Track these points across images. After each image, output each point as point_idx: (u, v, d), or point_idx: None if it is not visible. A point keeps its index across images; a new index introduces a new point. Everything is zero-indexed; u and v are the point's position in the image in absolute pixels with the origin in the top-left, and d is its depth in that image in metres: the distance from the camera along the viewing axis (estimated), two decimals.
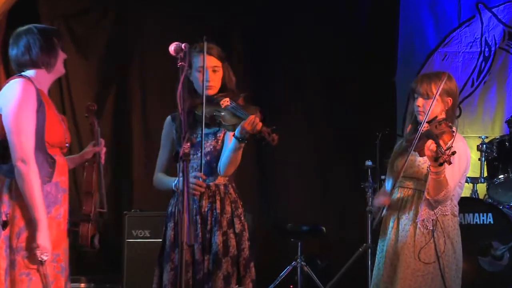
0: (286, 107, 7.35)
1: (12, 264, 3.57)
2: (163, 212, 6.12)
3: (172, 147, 4.25)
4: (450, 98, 4.20)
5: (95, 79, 7.32)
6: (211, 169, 4.14)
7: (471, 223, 5.82)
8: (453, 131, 4.01)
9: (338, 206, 7.21)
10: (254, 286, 4.14)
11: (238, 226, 4.13)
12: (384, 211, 4.23)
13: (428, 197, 4.07)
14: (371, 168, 6.52)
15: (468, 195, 6.23)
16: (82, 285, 6.55)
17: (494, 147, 6.12)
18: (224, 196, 4.14)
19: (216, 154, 4.15)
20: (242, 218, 4.17)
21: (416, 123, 4.22)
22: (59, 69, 3.81)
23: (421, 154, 4.03)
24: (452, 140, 3.97)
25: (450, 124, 4.06)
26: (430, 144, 3.90)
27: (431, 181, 4.03)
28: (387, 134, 6.41)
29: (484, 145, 6.16)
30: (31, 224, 3.57)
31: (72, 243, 3.85)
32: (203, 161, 4.10)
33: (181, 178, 3.52)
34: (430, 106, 4.11)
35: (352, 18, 7.46)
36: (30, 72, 3.72)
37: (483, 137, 6.29)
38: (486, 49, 7.17)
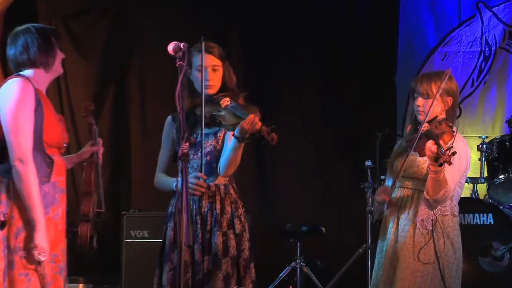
0: (286, 107, 7.35)
1: (10, 265, 3.56)
2: (161, 212, 6.13)
3: (172, 147, 4.24)
4: (450, 98, 4.19)
5: (93, 79, 7.32)
6: (211, 169, 4.13)
7: (471, 223, 5.80)
8: (453, 131, 4.01)
9: (338, 206, 7.20)
10: (254, 286, 4.13)
11: (238, 227, 4.12)
12: (386, 207, 4.21)
13: (427, 197, 4.07)
14: (370, 168, 6.51)
15: (468, 195, 6.22)
16: (80, 285, 6.53)
17: (495, 147, 6.11)
18: (224, 197, 4.13)
19: (216, 154, 4.14)
20: (243, 219, 4.16)
21: (416, 123, 4.22)
22: (57, 68, 3.80)
23: (421, 154, 4.03)
24: (453, 140, 3.96)
25: (450, 124, 4.06)
26: (431, 145, 3.89)
27: (430, 181, 4.03)
28: (387, 134, 6.40)
29: (484, 145, 6.15)
30: (29, 225, 3.56)
31: (70, 243, 3.84)
32: (203, 161, 4.08)
33: (180, 178, 3.50)
34: (431, 106, 4.10)
35: (352, 18, 7.46)
36: (28, 72, 3.71)
37: (483, 137, 6.28)
38: (487, 49, 7.17)
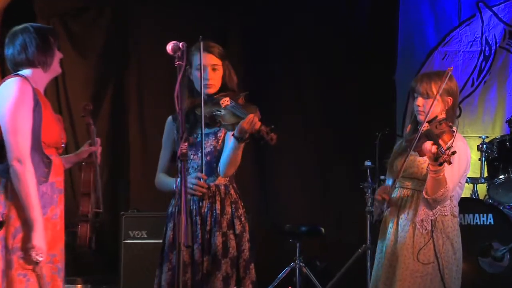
0: (286, 107, 7.35)
1: (8, 265, 3.55)
2: (160, 212, 6.14)
3: (173, 147, 4.23)
4: (450, 98, 4.19)
5: (92, 78, 7.32)
6: (211, 170, 4.11)
7: (471, 223, 5.79)
8: (453, 131, 4.00)
9: (338, 207, 7.20)
10: (254, 287, 4.11)
11: (238, 227, 4.10)
12: (385, 207, 4.20)
13: (426, 197, 4.07)
14: (370, 168, 6.50)
15: (468, 195, 6.21)
16: (79, 286, 6.52)
17: (495, 147, 6.11)
18: (225, 197, 4.12)
19: (216, 154, 4.13)
20: (243, 219, 4.15)
21: (416, 123, 4.22)
22: (55, 68, 3.80)
23: (421, 154, 4.03)
24: (452, 140, 3.95)
25: (450, 124, 4.06)
26: (430, 145, 3.89)
27: (429, 180, 4.02)
28: (386, 134, 6.39)
29: (485, 145, 6.14)
30: (27, 225, 3.56)
31: (69, 243, 3.83)
32: (203, 161, 4.07)
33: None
34: (431, 105, 4.09)
35: (352, 18, 7.45)
36: (26, 72, 3.71)
37: (483, 137, 6.28)
38: (487, 48, 7.16)
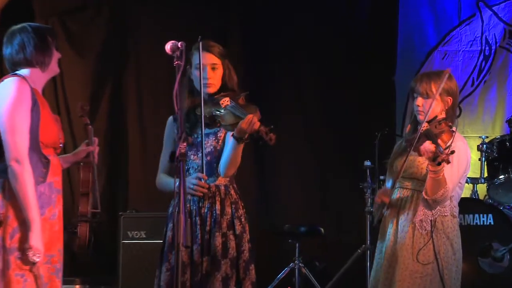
0: (286, 107, 7.35)
1: (6, 265, 3.54)
2: (159, 213, 6.15)
3: (173, 148, 4.20)
4: (450, 98, 4.18)
5: (90, 78, 7.31)
6: (211, 170, 4.10)
7: (471, 224, 5.79)
8: (453, 131, 4.00)
9: (337, 207, 7.19)
10: None
11: (238, 228, 4.09)
12: (385, 209, 4.19)
13: (425, 197, 4.06)
14: (369, 168, 6.49)
15: (468, 195, 6.21)
16: (77, 286, 6.51)
17: (495, 147, 6.11)
18: (225, 197, 4.11)
19: (216, 155, 4.11)
20: (243, 220, 4.14)
21: (416, 123, 4.20)
22: (53, 68, 3.79)
23: (420, 154, 4.00)
24: (451, 139, 3.94)
25: (450, 123, 4.05)
26: (428, 145, 3.88)
27: (429, 180, 4.01)
28: (386, 134, 6.38)
29: (484, 145, 6.14)
30: (25, 225, 3.55)
31: (67, 243, 3.82)
32: (204, 162, 4.06)
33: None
34: (430, 105, 4.08)
35: (352, 18, 7.45)
36: (24, 71, 3.70)
37: (483, 137, 6.28)
38: (487, 48, 7.16)
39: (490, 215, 5.76)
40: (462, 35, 7.22)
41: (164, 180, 4.20)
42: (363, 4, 7.43)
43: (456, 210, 4.22)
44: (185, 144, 3.49)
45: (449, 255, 4.13)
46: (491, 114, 7.09)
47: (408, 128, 4.30)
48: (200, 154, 4.07)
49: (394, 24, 7.28)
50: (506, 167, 6.01)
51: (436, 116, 4.15)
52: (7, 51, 3.73)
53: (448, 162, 3.84)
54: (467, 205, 5.73)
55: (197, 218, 4.06)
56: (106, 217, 6.27)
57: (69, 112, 7.15)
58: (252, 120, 3.89)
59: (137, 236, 6.31)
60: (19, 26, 3.75)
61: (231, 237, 4.06)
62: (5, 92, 3.59)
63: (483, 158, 6.17)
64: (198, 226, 4.05)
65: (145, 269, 6.07)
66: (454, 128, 4.03)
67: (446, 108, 4.18)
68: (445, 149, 3.85)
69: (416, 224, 4.12)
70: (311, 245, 6.78)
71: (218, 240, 4.02)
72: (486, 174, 6.18)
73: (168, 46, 3.64)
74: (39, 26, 3.83)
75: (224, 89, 4.15)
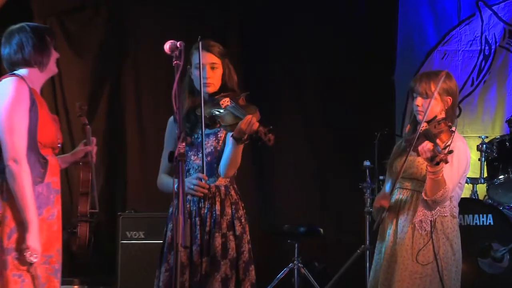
0: (286, 107, 7.35)
1: (3, 265, 3.53)
2: (157, 213, 6.14)
3: (174, 147, 4.20)
4: (449, 97, 4.17)
5: (88, 78, 7.30)
6: (212, 170, 4.09)
7: (471, 224, 5.78)
8: (452, 131, 3.99)
9: (337, 207, 7.19)
10: None
11: (238, 228, 4.08)
12: (384, 214, 4.18)
13: (425, 198, 4.05)
14: (369, 169, 6.48)
15: (467, 195, 6.21)
16: (75, 287, 6.51)
17: (494, 147, 6.10)
18: (225, 198, 4.10)
19: (217, 155, 4.11)
20: (243, 220, 4.13)
21: (416, 123, 4.20)
22: (51, 68, 3.79)
23: (419, 154, 4.00)
24: (450, 139, 3.93)
25: (449, 123, 4.04)
26: (426, 145, 3.87)
27: (428, 181, 4.01)
28: (385, 134, 6.38)
29: (484, 145, 6.13)
30: (22, 225, 3.54)
31: (67, 243, 3.82)
32: (204, 162, 4.05)
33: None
34: (428, 105, 4.07)
35: (352, 18, 7.45)
36: (22, 71, 3.69)
37: (483, 137, 6.27)
38: (486, 48, 7.15)
39: (489, 215, 5.75)
40: (461, 35, 7.21)
41: (165, 181, 4.19)
42: (363, 4, 7.42)
43: (456, 210, 4.21)
44: (184, 144, 3.48)
45: (449, 256, 4.12)
46: (491, 114, 7.09)
47: (407, 128, 4.29)
48: (200, 155, 4.06)
49: (394, 24, 7.28)
50: (505, 167, 6.00)
51: (435, 116, 4.14)
52: (5, 51, 3.73)
53: (446, 162, 3.83)
54: (467, 205, 5.72)
55: (197, 218, 4.05)
56: (105, 217, 6.28)
57: (67, 112, 7.14)
58: (251, 121, 3.88)
59: (136, 237, 6.29)
60: (17, 26, 3.75)
61: (231, 237, 4.05)
62: (3, 92, 3.59)
63: (483, 158, 6.16)
64: (198, 227, 4.04)
65: (143, 269, 6.06)
66: (453, 128, 4.02)
67: (446, 108, 4.18)
68: (443, 149, 3.84)
69: (416, 225, 4.11)
70: (310, 245, 6.78)
71: (218, 241, 4.02)
72: (485, 174, 6.17)
73: (167, 46, 3.63)
74: (37, 26, 3.82)
75: (224, 88, 4.14)
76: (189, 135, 4.10)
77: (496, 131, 6.94)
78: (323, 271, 6.76)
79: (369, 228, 6.39)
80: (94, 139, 4.01)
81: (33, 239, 3.51)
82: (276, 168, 7.30)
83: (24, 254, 3.51)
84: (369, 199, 6.41)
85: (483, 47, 7.15)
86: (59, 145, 3.78)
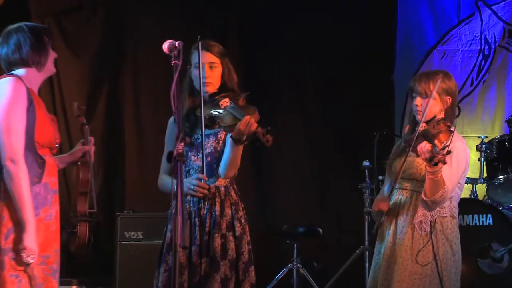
0: (286, 107, 7.35)
1: (0, 265, 3.52)
2: (156, 213, 6.13)
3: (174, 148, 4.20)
4: (449, 97, 4.16)
5: (86, 78, 7.30)
6: (211, 171, 4.08)
7: (470, 224, 5.77)
8: (451, 131, 3.98)
9: (337, 207, 7.18)
10: None
11: (238, 229, 4.07)
12: (383, 217, 4.18)
13: (424, 198, 4.05)
14: (368, 169, 6.47)
15: (467, 196, 6.20)
16: (74, 287, 6.50)
17: (494, 147, 6.09)
18: (225, 198, 4.09)
19: (217, 155, 4.09)
20: (243, 221, 4.11)
21: (415, 123, 4.19)
22: (49, 68, 3.78)
23: (418, 155, 3.99)
24: (449, 139, 3.92)
25: (448, 123, 4.03)
26: (424, 145, 3.86)
27: (427, 181, 4.00)
28: (385, 134, 6.37)
29: (484, 145, 6.12)
30: (19, 226, 3.53)
31: (66, 243, 3.81)
32: (204, 162, 4.04)
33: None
34: (427, 105, 4.06)
35: (352, 18, 7.44)
36: (20, 71, 3.68)
37: (482, 137, 6.26)
38: (486, 47, 7.14)
39: (489, 216, 5.74)
40: (461, 34, 7.20)
41: (166, 181, 4.18)
42: (363, 4, 7.42)
43: (456, 211, 4.20)
44: (182, 144, 3.47)
45: (448, 256, 4.12)
46: (491, 114, 7.08)
47: (407, 128, 4.28)
48: (200, 155, 4.05)
49: (394, 24, 7.28)
50: (505, 167, 5.99)
51: (435, 116, 4.13)
52: (3, 50, 3.72)
53: (444, 162, 3.83)
54: (466, 205, 5.70)
55: (196, 219, 4.04)
56: (103, 217, 6.27)
57: (65, 112, 7.14)
58: (249, 122, 3.88)
59: (134, 237, 6.29)
60: (15, 25, 3.74)
61: (231, 238, 4.04)
62: (1, 92, 3.58)
63: (482, 158, 6.14)
64: (197, 228, 4.03)
65: (142, 269, 6.06)
66: (452, 128, 4.01)
67: (445, 107, 4.17)
68: (442, 149, 3.83)
69: (416, 225, 4.10)
70: (309, 245, 6.77)
71: (217, 241, 4.00)
72: (485, 174, 6.16)
73: (165, 45, 3.63)
74: (35, 25, 3.82)
75: (223, 88, 4.13)
76: (189, 136, 4.10)
77: (496, 131, 6.93)
78: (322, 271, 6.75)
79: (369, 228, 6.38)
80: (92, 139, 4.00)
81: (30, 240, 3.50)
82: (276, 168, 7.30)
83: (21, 254, 3.50)
84: (368, 199, 6.40)
85: (482, 46, 7.15)
86: (57, 145, 3.77)
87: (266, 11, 7.43)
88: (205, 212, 4.04)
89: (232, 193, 4.13)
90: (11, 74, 3.66)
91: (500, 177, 6.01)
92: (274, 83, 7.37)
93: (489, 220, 5.76)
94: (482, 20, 7.15)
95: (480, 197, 6.31)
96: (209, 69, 4.10)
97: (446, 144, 3.90)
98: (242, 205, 4.16)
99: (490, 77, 7.11)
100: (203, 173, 4.01)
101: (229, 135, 4.03)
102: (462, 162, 4.13)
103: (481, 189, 6.30)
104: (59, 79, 7.11)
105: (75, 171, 4.00)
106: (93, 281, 6.64)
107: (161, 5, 7.32)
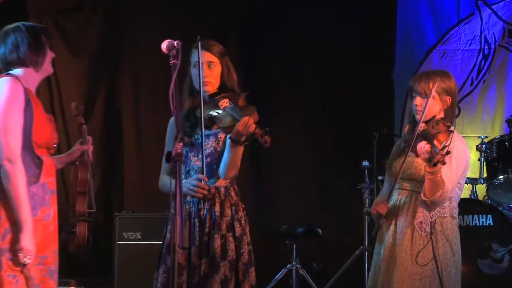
0: (286, 107, 7.35)
1: None
2: (154, 213, 6.12)
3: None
4: (448, 97, 4.15)
5: (85, 77, 7.29)
6: (211, 171, 4.07)
7: (470, 224, 5.76)
8: (451, 131, 3.97)
9: (336, 207, 7.17)
10: None
11: (238, 230, 4.06)
12: (382, 220, 4.18)
13: (424, 198, 4.04)
14: (367, 169, 6.46)
15: (467, 196, 6.19)
16: None
17: (494, 147, 6.08)
18: (225, 199, 4.08)
19: (217, 156, 4.09)
20: (243, 222, 4.11)
21: (415, 123, 4.18)
22: (47, 68, 3.77)
23: (417, 155, 3.98)
24: (448, 139, 3.91)
25: (448, 123, 4.03)
26: (423, 145, 3.85)
27: (427, 182, 4.00)
28: (384, 134, 6.36)
29: (484, 145, 6.11)
30: (16, 226, 3.52)
31: (65, 243, 3.81)
32: (204, 163, 4.03)
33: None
34: (426, 105, 4.05)
35: (352, 18, 7.44)
36: (17, 71, 3.68)
37: (482, 137, 6.25)
38: (486, 47, 7.14)
39: (489, 216, 5.73)
40: (461, 34, 7.20)
41: (166, 181, 4.16)
42: (363, 4, 7.41)
43: (456, 211, 4.20)
44: (181, 144, 3.47)
45: (448, 257, 4.11)
46: (491, 113, 7.07)
47: (406, 128, 4.28)
48: (200, 156, 4.03)
49: (393, 23, 7.27)
50: (505, 167, 5.98)
51: (434, 116, 4.13)
52: (0, 50, 3.71)
53: (443, 163, 3.82)
54: (466, 205, 5.69)
55: (196, 220, 4.03)
56: (101, 217, 6.26)
57: (63, 112, 7.14)
58: (247, 123, 3.87)
59: (133, 237, 6.28)
60: (12, 25, 3.74)
61: (231, 239, 4.03)
62: None
63: (482, 158, 6.13)
64: (197, 228, 4.02)
65: (140, 270, 6.05)
66: (452, 128, 4.01)
67: (445, 107, 4.17)
68: (441, 149, 3.82)
69: (416, 226, 4.10)
70: (309, 246, 6.77)
71: (217, 242, 3.99)
72: (485, 175, 6.15)
73: (164, 45, 3.63)
74: (33, 25, 3.81)
75: (223, 88, 4.12)
76: (189, 136, 4.09)
77: (496, 131, 6.93)
78: (321, 271, 6.74)
79: (368, 228, 6.37)
80: (90, 138, 4.01)
81: (27, 240, 3.49)
82: (276, 168, 7.29)
83: (18, 255, 3.49)
84: (368, 200, 6.39)
85: (482, 46, 7.14)
86: (54, 145, 3.76)
87: (266, 11, 7.43)
88: (204, 212, 4.04)
89: (232, 193, 4.12)
90: (9, 74, 3.65)
91: (500, 177, 6.00)
92: (274, 83, 7.37)
93: (489, 220, 5.74)
94: (482, 20, 7.14)
95: (480, 198, 6.30)
96: (208, 68, 4.09)
97: (446, 144, 3.89)
98: (243, 206, 4.15)
99: (490, 76, 7.10)
100: (203, 174, 3.99)
101: (228, 136, 4.03)
102: (462, 162, 4.12)
103: (481, 189, 6.29)
104: (57, 78, 7.10)
105: (73, 170, 4.00)
106: (91, 282, 6.63)
107: (161, 5, 7.32)
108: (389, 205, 4.20)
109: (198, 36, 3.99)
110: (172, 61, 3.58)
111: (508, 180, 5.96)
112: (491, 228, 5.73)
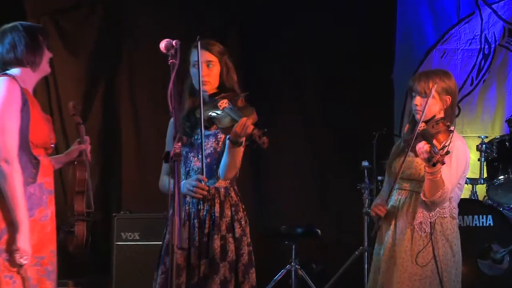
0: (286, 107, 7.35)
1: None
2: (153, 214, 6.11)
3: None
4: (448, 97, 4.14)
5: (83, 77, 7.28)
6: (211, 172, 4.06)
7: (471, 225, 5.75)
8: (451, 130, 3.96)
9: (337, 207, 7.17)
10: None
11: (238, 231, 4.05)
12: (380, 221, 4.18)
13: (424, 199, 4.03)
14: (367, 169, 6.45)
15: (467, 196, 6.19)
16: None
17: (494, 147, 6.08)
18: (224, 200, 4.07)
19: (216, 156, 4.08)
20: (243, 222, 4.10)
21: (414, 122, 4.18)
22: (44, 68, 3.77)
23: (417, 155, 3.97)
24: (448, 139, 3.90)
25: (448, 123, 4.02)
26: (423, 145, 3.84)
27: (426, 182, 3.99)
28: (384, 134, 6.35)
29: (484, 145, 6.11)
30: (13, 226, 3.51)
31: (64, 243, 3.80)
32: (204, 163, 4.02)
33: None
34: (425, 105, 4.04)
35: (352, 18, 7.44)
36: (14, 71, 3.67)
37: (482, 137, 6.25)
38: (486, 47, 7.13)
39: (489, 216, 5.73)
40: (461, 34, 7.20)
41: (166, 182, 4.14)
42: (363, 4, 7.41)
43: (456, 211, 4.19)
44: (179, 144, 3.46)
45: (448, 257, 4.11)
46: (491, 113, 7.07)
47: (406, 128, 4.27)
48: (200, 156, 4.02)
49: (393, 23, 7.28)
50: (505, 168, 5.98)
51: (434, 116, 4.12)
52: None
53: (443, 163, 3.81)
54: (466, 206, 5.69)
55: (195, 220, 4.02)
56: (99, 217, 6.25)
57: (61, 112, 7.13)
58: (245, 124, 3.86)
59: (131, 238, 6.27)
60: (10, 25, 3.73)
61: (230, 240, 4.03)
62: None
63: (483, 159, 6.14)
64: (196, 229, 4.01)
65: (139, 270, 6.06)
66: (452, 128, 4.00)
67: (445, 107, 4.16)
68: (441, 149, 3.81)
69: (416, 227, 4.09)
70: (308, 246, 6.76)
71: (217, 243, 3.99)
72: (485, 175, 6.15)
73: (162, 45, 3.62)
74: (30, 25, 3.81)
75: (222, 87, 4.11)
76: (189, 136, 4.09)
77: (496, 131, 6.93)
78: (321, 272, 6.74)
79: (368, 229, 6.36)
80: (88, 138, 4.01)
81: (23, 241, 3.48)
82: (276, 168, 7.29)
83: (14, 255, 3.48)
84: (367, 200, 6.39)
85: (482, 46, 7.14)
86: (52, 145, 3.76)
87: (266, 11, 7.43)
88: (204, 213, 4.03)
89: (232, 194, 4.11)
90: (5, 74, 3.64)
91: (500, 177, 6.00)
92: (274, 83, 7.37)
93: (489, 221, 5.74)
94: (482, 19, 7.14)
95: (480, 198, 6.30)
96: (207, 67, 4.09)
97: (445, 144, 3.88)
98: (243, 207, 4.14)
99: (490, 76, 7.10)
100: (202, 174, 3.98)
101: (227, 136, 4.02)
102: (462, 162, 4.11)
103: (481, 189, 6.29)
104: (55, 78, 7.09)
105: (72, 170, 4.01)
106: (89, 282, 6.62)
107: (161, 5, 7.31)
108: (389, 205, 4.19)
109: (198, 36, 3.99)
110: (171, 60, 3.57)
111: (509, 180, 5.96)
112: (491, 229, 5.72)
